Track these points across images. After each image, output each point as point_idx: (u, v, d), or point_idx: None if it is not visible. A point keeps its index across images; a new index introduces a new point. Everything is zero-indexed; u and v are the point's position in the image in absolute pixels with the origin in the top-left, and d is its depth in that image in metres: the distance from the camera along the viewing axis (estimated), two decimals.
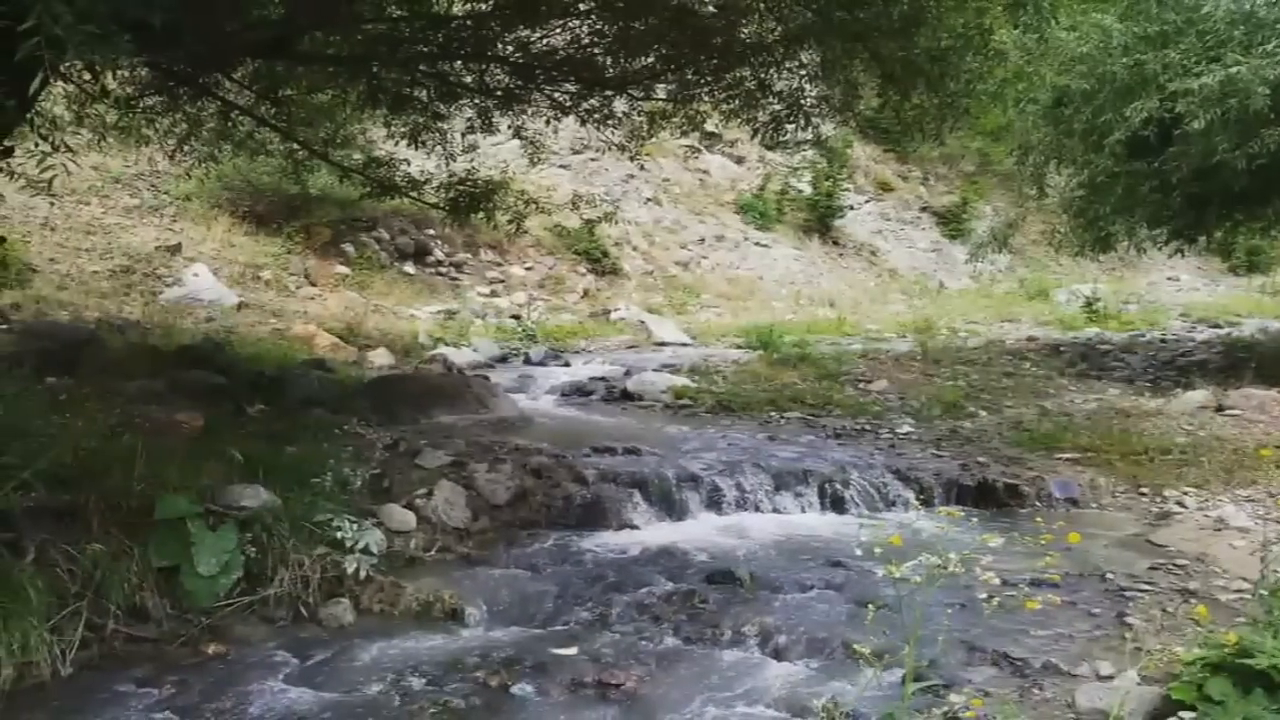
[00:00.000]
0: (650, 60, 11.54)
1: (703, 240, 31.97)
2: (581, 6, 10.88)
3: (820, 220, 35.24)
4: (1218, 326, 24.70)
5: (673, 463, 11.12)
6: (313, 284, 22.73)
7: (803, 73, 11.50)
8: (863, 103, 12.88)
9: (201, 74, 11.12)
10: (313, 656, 7.16)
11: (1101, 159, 16.63)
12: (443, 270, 26.15)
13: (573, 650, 7.20)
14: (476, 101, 12.79)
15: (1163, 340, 22.08)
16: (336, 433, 10.58)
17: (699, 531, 9.98)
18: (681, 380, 16.03)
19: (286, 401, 11.77)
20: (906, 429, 13.58)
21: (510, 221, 14.03)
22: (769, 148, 13.53)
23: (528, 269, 27.32)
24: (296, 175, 19.69)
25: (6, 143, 7.14)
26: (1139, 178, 16.32)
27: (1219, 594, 7.99)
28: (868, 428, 13.59)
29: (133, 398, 10.33)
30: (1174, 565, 8.68)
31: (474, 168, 13.79)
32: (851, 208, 36.31)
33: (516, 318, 23.82)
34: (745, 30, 10.85)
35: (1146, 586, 8.17)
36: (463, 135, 13.62)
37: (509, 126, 13.54)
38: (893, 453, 12.30)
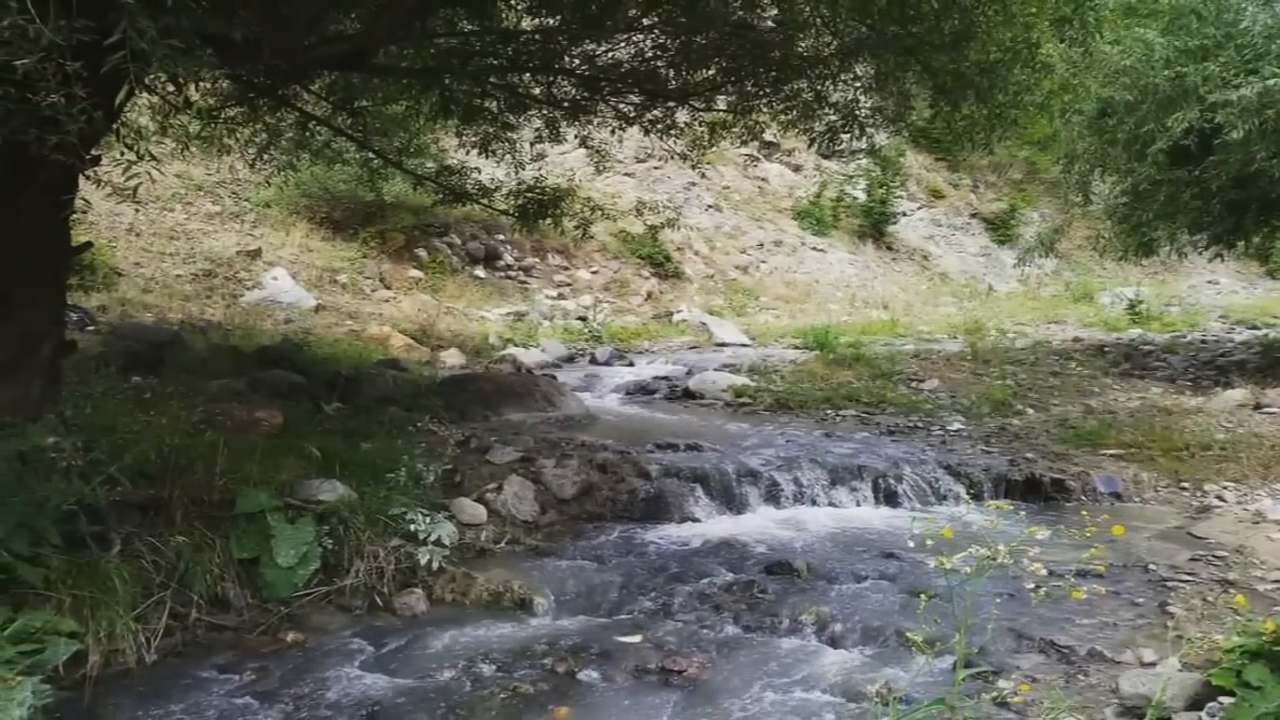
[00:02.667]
0: (711, 73, 11.53)
1: (761, 245, 31.90)
2: (645, 21, 10.86)
3: (874, 226, 35.17)
4: (1256, 328, 24.36)
5: (733, 458, 11.09)
6: (387, 287, 22.83)
7: (857, 84, 11.47)
8: (915, 113, 12.81)
9: (280, 86, 11.16)
10: (387, 644, 7.19)
11: (1144, 167, 16.54)
12: (512, 274, 26.23)
13: (637, 638, 7.19)
14: (544, 112, 12.79)
15: (1203, 341, 21.83)
16: (410, 430, 10.58)
17: (758, 524, 9.96)
18: (741, 379, 15.99)
19: (362, 400, 11.80)
20: (957, 426, 13.49)
21: (577, 227, 14.02)
22: (825, 156, 13.54)
23: (593, 273, 27.35)
24: (372, 183, 19.85)
25: (94, 152, 7.18)
26: (1180, 185, 16.19)
27: (1257, 584, 7.93)
28: (919, 425, 13.53)
29: (214, 396, 10.38)
30: (1214, 557, 8.61)
31: (542, 176, 13.82)
32: (904, 214, 36.22)
33: (583, 319, 23.86)
34: (802, 44, 10.80)
35: (1187, 577, 8.12)
36: (531, 144, 13.64)
37: (576, 136, 13.51)
38: (944, 449, 12.22)
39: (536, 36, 11.35)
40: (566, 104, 12.50)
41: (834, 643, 7.17)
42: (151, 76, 6.17)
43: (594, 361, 19.48)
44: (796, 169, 36.06)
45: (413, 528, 8.19)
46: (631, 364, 19.36)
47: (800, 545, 9.23)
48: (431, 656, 6.98)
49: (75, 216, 8.30)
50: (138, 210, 19.77)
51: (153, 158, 6.33)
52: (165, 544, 7.15)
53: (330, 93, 12.59)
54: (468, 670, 6.69)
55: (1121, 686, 5.85)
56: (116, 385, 9.47)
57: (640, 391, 16.10)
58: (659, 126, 12.61)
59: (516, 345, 19.68)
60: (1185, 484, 10.97)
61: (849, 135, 11.83)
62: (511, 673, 6.64)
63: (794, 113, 11.79)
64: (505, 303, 24.38)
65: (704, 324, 24.43)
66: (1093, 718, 5.79)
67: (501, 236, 26.34)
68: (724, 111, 12.71)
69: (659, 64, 11.40)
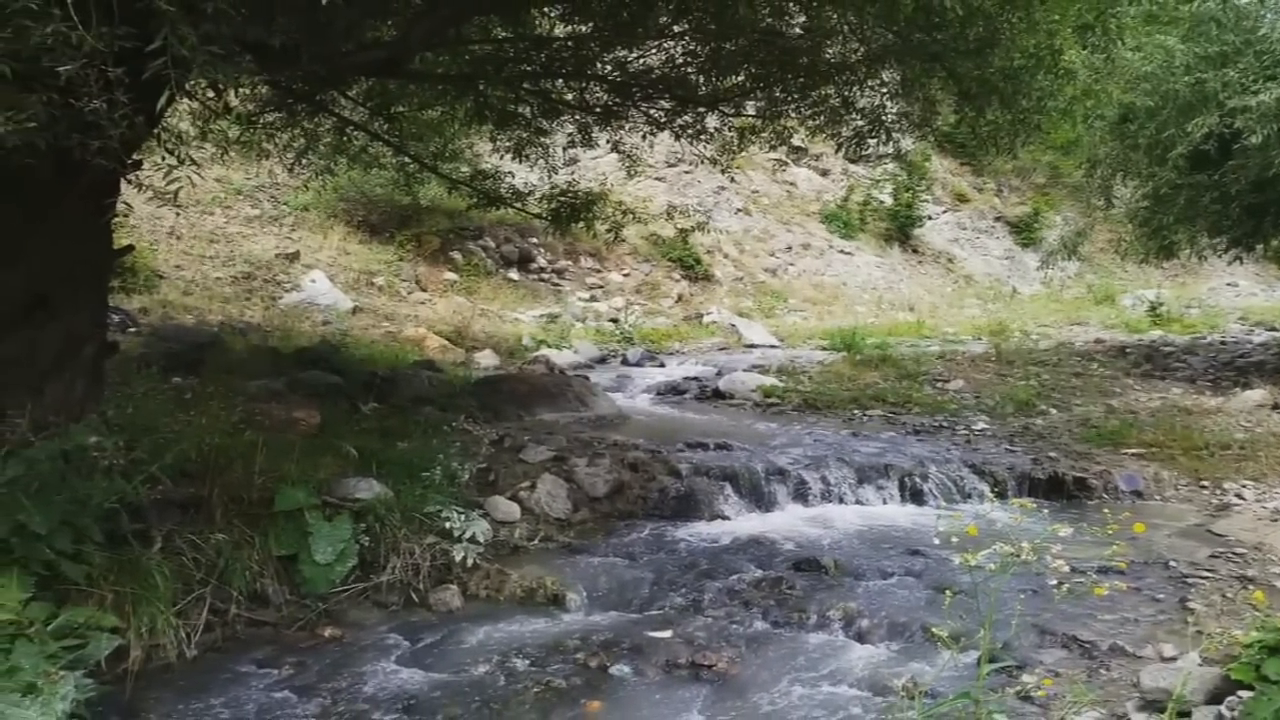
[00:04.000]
0: (740, 79, 11.48)
1: (790, 248, 31.82)
2: (676, 29, 10.84)
3: (900, 229, 35.04)
4: (1274, 329, 24.20)
5: (762, 457, 11.07)
6: (423, 289, 22.86)
7: (884, 90, 11.42)
8: (940, 119, 12.76)
9: (318, 92, 11.17)
10: (423, 639, 7.21)
11: (1165, 172, 16.43)
12: (545, 276, 26.21)
13: (668, 633, 7.21)
14: (577, 117, 12.79)
15: (1222, 342, 21.68)
16: (445, 429, 10.57)
17: (786, 522, 9.97)
18: (770, 380, 15.96)
19: (398, 400, 11.83)
20: (981, 426, 13.45)
21: (609, 230, 14.00)
22: (852, 161, 13.37)
23: (625, 275, 27.32)
24: (408, 187, 19.83)
25: (135, 156, 7.18)
26: (1200, 189, 16.09)
27: (1275, 580, 7.95)
28: (945, 425, 13.50)
29: (253, 396, 10.38)
30: (1233, 554, 8.61)
31: (574, 180, 13.82)
32: (930, 218, 36.09)
33: (614, 321, 23.83)
34: (830, 51, 10.77)
35: (1207, 573, 8.14)
36: (564, 149, 13.66)
37: (607, 141, 13.51)
38: (968, 448, 12.20)
39: (569, 43, 11.34)
40: (598, 109, 12.48)
41: (861, 638, 7.20)
42: (192, 82, 6.17)
43: (625, 362, 19.45)
44: (824, 173, 35.95)
45: (448, 525, 8.21)
46: (662, 365, 19.34)
47: (828, 542, 9.23)
48: (466, 651, 7.00)
49: (117, 220, 8.31)
50: (178, 214, 19.81)
51: (193, 162, 6.32)
52: (205, 541, 7.19)
53: (367, 98, 12.61)
54: (501, 665, 6.71)
55: (1143, 681, 5.83)
56: (157, 386, 9.46)
57: (671, 392, 16.08)
58: (689, 131, 12.57)
59: (549, 346, 19.65)
60: (1205, 482, 10.97)
61: (876, 140, 11.81)
62: (544, 667, 6.66)
63: (822, 118, 11.76)
64: (538, 305, 24.37)
65: (733, 326, 24.39)
66: (1114, 712, 5.79)
67: (535, 240, 26.33)
68: (753, 117, 12.69)
69: (689, 70, 11.37)
